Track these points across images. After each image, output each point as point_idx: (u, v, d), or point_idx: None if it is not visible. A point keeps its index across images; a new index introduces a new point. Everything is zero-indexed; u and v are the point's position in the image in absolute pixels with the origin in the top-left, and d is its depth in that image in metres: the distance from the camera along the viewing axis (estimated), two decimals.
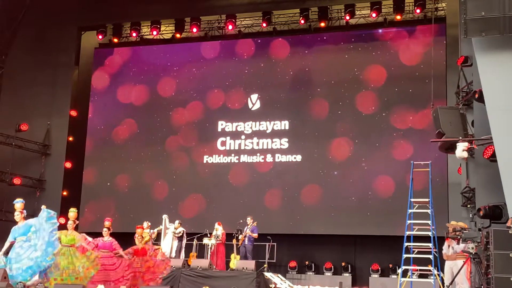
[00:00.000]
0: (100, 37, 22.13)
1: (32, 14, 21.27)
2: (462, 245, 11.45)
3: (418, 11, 19.26)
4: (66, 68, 21.74)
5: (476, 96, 11.87)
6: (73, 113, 21.82)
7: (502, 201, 10.59)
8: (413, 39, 19.36)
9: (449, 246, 12.21)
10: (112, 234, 12.65)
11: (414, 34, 19.39)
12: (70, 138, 21.61)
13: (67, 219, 12.13)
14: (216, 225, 17.14)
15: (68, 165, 21.38)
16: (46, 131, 21.35)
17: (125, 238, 13.92)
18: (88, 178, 21.49)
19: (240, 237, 17.04)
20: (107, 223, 12.76)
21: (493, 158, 10.91)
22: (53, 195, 20.73)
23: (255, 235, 16.94)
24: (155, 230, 16.66)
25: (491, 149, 11.05)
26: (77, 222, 12.34)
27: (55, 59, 21.58)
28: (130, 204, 20.80)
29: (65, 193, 21.03)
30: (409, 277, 13.82)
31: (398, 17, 19.55)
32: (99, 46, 22.71)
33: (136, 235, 13.11)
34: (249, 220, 17.15)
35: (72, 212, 12.23)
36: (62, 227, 19.47)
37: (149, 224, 16.37)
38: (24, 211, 10.85)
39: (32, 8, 21.19)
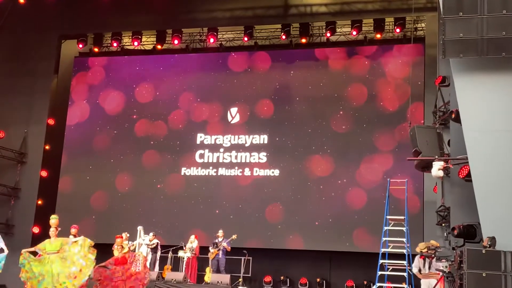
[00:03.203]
0: (80, 46, 21.98)
1: (12, 21, 21.06)
2: (439, 263, 11.51)
3: (398, 30, 19.50)
4: (45, 76, 21.52)
5: (453, 116, 12.02)
6: (51, 121, 21.60)
7: (477, 220, 10.69)
8: (392, 58, 19.55)
9: (424, 264, 12.24)
10: None
11: (394, 53, 19.59)
12: (47, 147, 21.37)
13: (41, 227, 12.03)
14: (192, 238, 17.03)
15: (44, 173, 21.12)
16: (22, 139, 21.12)
17: (101, 249, 13.73)
18: (64, 187, 21.25)
19: (212, 250, 16.88)
20: (73, 230, 12.59)
21: (468, 177, 11.01)
22: (28, 203, 20.47)
23: (229, 248, 16.86)
24: (134, 243, 16.47)
25: (466, 169, 11.16)
26: (59, 228, 12.20)
27: (34, 67, 21.40)
28: (106, 215, 20.62)
29: (40, 202, 20.75)
30: None
31: (378, 36, 19.76)
32: (79, 55, 22.58)
33: (116, 246, 13.02)
34: (220, 233, 17.04)
35: (54, 219, 12.16)
36: (36, 236, 19.37)
37: (128, 235, 16.17)
38: None
39: (12, 15, 21.01)
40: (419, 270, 12.15)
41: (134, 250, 16.68)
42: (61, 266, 11.46)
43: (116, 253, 12.85)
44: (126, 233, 15.91)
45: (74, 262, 11.50)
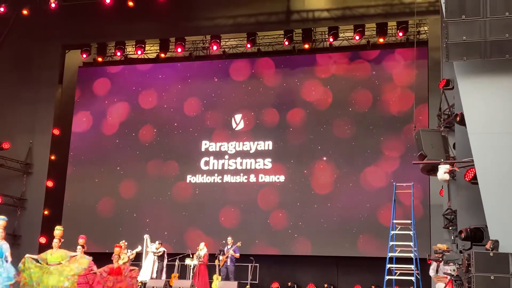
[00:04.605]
0: (84, 56, 22.05)
1: (16, 32, 21.26)
2: (447, 267, 11.45)
3: (400, 34, 19.47)
4: (50, 86, 21.62)
5: (458, 119, 11.97)
6: (56, 131, 21.67)
7: (484, 223, 10.64)
8: (396, 62, 19.56)
9: (437, 268, 12.18)
10: (92, 254, 12.53)
11: (397, 57, 19.60)
12: (52, 157, 21.43)
13: (48, 237, 12.06)
14: (202, 245, 16.86)
15: (49, 184, 21.17)
16: (28, 150, 21.18)
17: (106, 258, 13.74)
18: (70, 197, 21.28)
19: (221, 257, 16.87)
20: (81, 241, 12.61)
21: (474, 180, 10.96)
22: (34, 214, 20.52)
23: (237, 255, 16.85)
24: (134, 252, 16.36)
25: (472, 172, 11.11)
26: (62, 240, 12.23)
27: (38, 77, 21.49)
28: (112, 224, 20.63)
29: (46, 212, 20.80)
30: None
31: (381, 40, 19.76)
32: (83, 64, 22.67)
33: (114, 254, 13.01)
34: (229, 240, 17.05)
35: (58, 230, 12.16)
36: (43, 246, 19.38)
37: (126, 244, 15.96)
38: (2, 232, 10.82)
39: (16, 26, 21.17)
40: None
41: (135, 259, 16.62)
42: (56, 280, 11.50)
43: (114, 262, 12.86)
44: (124, 241, 15.67)
45: (68, 279, 11.52)
